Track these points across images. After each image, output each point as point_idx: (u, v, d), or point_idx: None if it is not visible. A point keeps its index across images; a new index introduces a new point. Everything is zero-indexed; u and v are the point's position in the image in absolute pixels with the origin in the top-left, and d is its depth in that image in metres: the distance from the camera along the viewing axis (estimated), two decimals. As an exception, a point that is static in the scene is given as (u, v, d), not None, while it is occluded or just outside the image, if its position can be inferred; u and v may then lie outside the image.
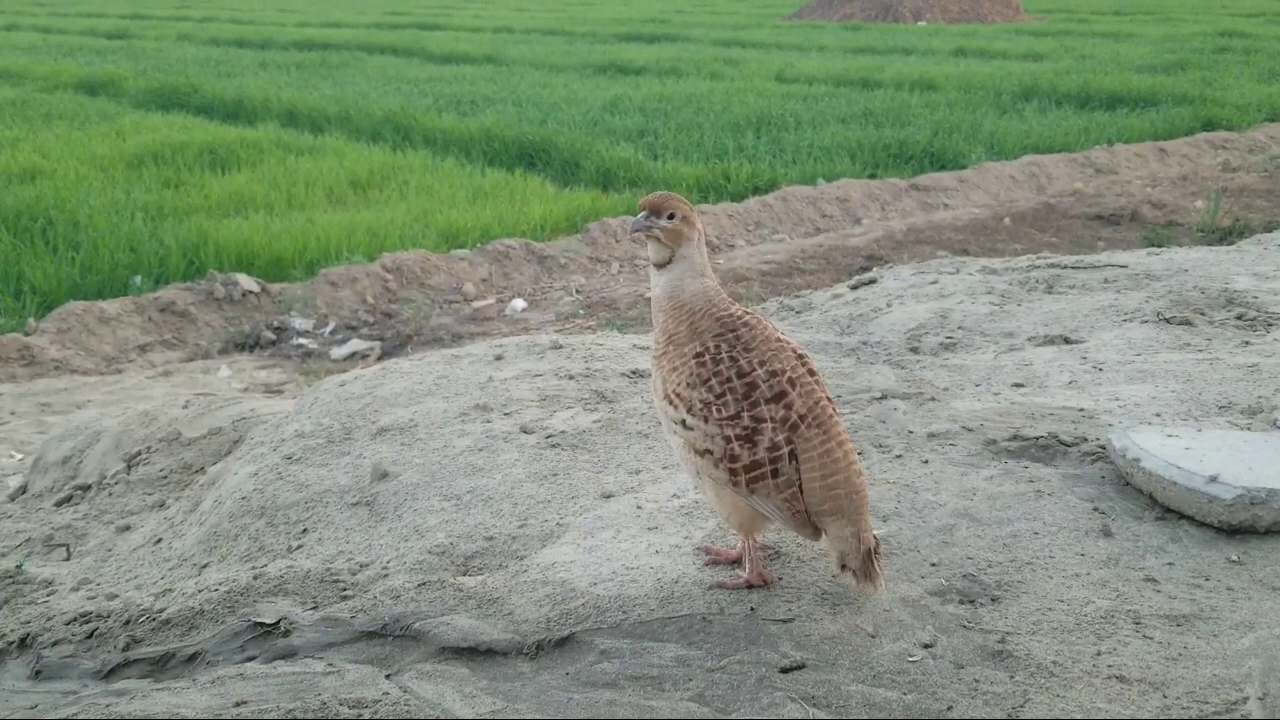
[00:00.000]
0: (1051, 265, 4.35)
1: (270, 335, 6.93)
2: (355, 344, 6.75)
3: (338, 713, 1.74)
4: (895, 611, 1.92)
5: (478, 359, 3.34)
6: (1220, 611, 1.91)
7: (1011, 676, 1.75)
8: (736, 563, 2.08)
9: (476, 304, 7.43)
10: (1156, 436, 2.38)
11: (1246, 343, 3.31)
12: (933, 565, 2.07)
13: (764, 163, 10.59)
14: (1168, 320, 3.54)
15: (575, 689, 1.79)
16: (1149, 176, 11.29)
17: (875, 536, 1.90)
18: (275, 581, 2.21)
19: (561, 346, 3.45)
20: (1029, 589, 1.98)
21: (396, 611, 2.04)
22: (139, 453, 3.44)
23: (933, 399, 2.92)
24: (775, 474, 1.85)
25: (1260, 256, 4.44)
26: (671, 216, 1.94)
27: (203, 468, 3.26)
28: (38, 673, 2.13)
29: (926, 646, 1.82)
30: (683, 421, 1.91)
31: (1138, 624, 1.87)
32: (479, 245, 8.24)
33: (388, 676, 1.85)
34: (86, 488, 3.40)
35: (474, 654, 1.91)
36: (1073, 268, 4.27)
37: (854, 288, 4.40)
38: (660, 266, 1.97)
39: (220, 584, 2.25)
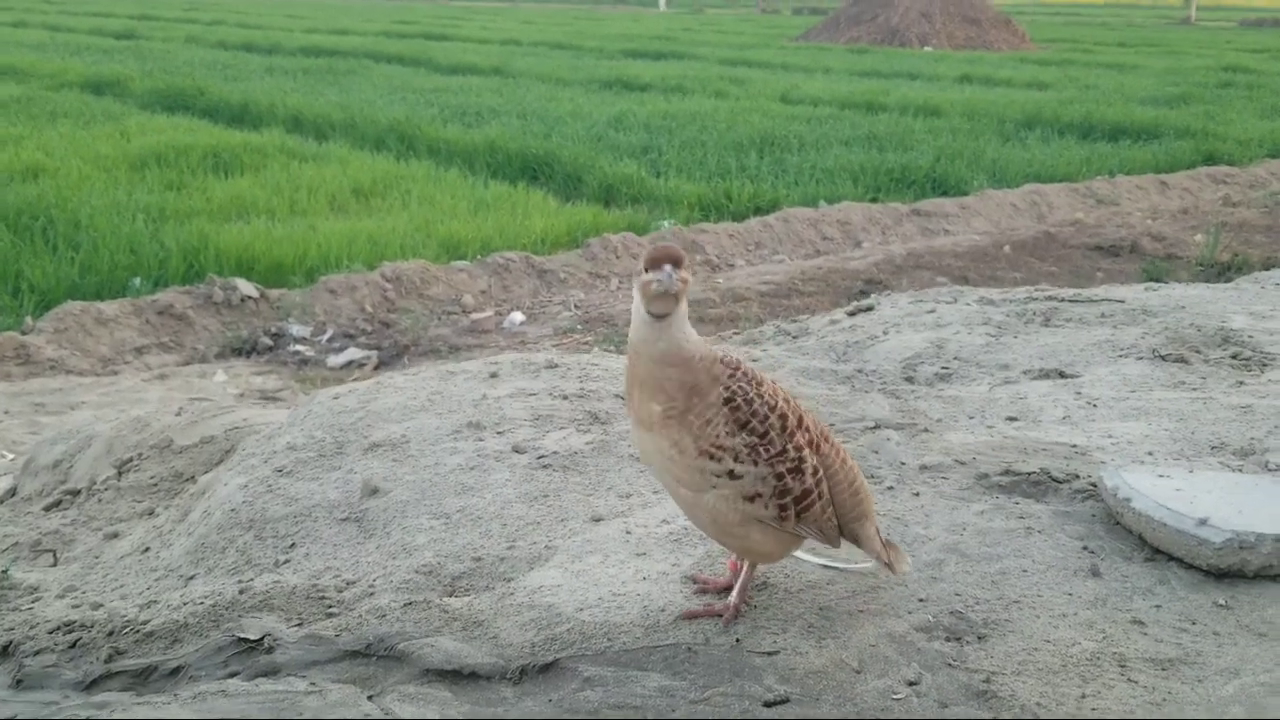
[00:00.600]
0: (1049, 298, 4.36)
1: (267, 341, 6.92)
2: (352, 352, 6.74)
3: (318, 733, 1.73)
4: (881, 647, 1.92)
5: (472, 376, 3.33)
6: (1206, 656, 1.90)
7: (996, 717, 1.74)
8: (724, 591, 2.07)
9: (475, 316, 7.43)
10: (1148, 476, 2.38)
11: (1241, 383, 3.32)
12: (920, 600, 2.06)
13: (766, 183, 10.62)
14: (1163, 357, 3.54)
15: (558, 716, 1.78)
16: (1149, 209, 11.32)
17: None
18: (261, 596, 2.20)
19: (557, 365, 3.45)
20: (1016, 628, 1.97)
21: (381, 631, 2.03)
22: (130, 459, 3.43)
23: (926, 430, 2.92)
24: (819, 496, 1.91)
25: (1257, 295, 4.45)
26: (680, 265, 1.82)
27: (194, 476, 3.26)
28: (19, 681, 2.11)
29: (911, 684, 1.82)
30: (729, 472, 1.84)
31: (1123, 667, 1.87)
32: (479, 257, 8.24)
33: (370, 698, 1.85)
34: (76, 493, 3.39)
35: (457, 677, 1.91)
36: (1070, 301, 4.28)
37: (851, 314, 4.40)
38: (661, 318, 1.83)
39: (206, 597, 2.24)
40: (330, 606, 2.16)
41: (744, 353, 3.89)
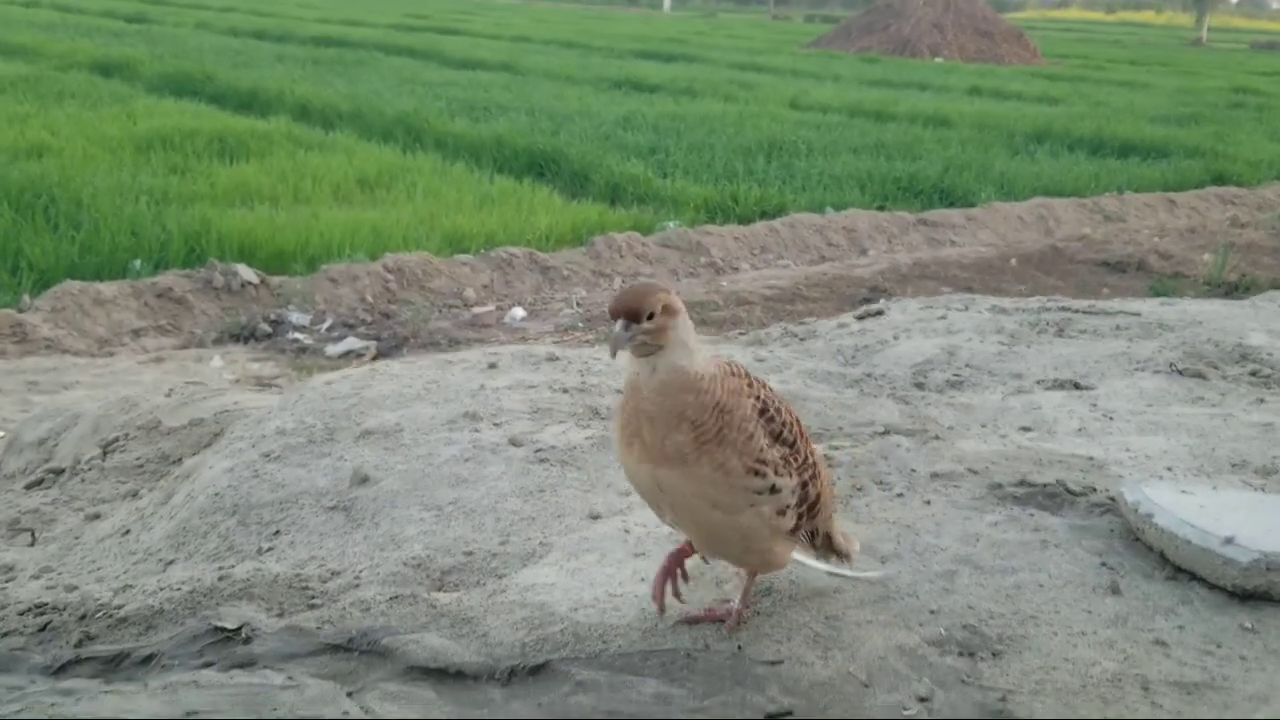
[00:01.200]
0: (1063, 309, 4.27)
1: (266, 328, 6.82)
2: (351, 342, 6.65)
3: (294, 731, 1.63)
4: (891, 660, 1.82)
5: (471, 366, 3.24)
6: (1233, 681, 1.81)
7: (1011, 738, 1.65)
8: (721, 620, 1.92)
9: (476, 310, 7.34)
10: (1170, 492, 2.28)
11: (1261, 400, 3.22)
12: (932, 613, 1.97)
13: (773, 188, 10.53)
14: (1180, 372, 3.45)
15: (548, 721, 1.69)
16: (1157, 226, 11.23)
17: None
18: (241, 584, 2.11)
19: (558, 358, 3.35)
20: (1032, 645, 1.88)
21: (365, 625, 1.93)
22: (116, 439, 3.33)
23: (937, 437, 2.82)
24: (824, 501, 1.85)
25: (1275, 314, 4.36)
26: (651, 316, 1.64)
27: (180, 459, 3.16)
28: (-15, 665, 2.02)
29: (922, 700, 1.72)
30: (771, 487, 1.72)
31: (1146, 689, 1.77)
32: (482, 251, 8.15)
33: (349, 695, 1.75)
34: (60, 472, 3.29)
35: (443, 676, 1.81)
36: (1084, 312, 4.19)
37: (860, 318, 4.31)
38: (647, 356, 1.68)
39: (184, 583, 2.15)
40: (313, 597, 2.06)
41: (750, 353, 3.80)
